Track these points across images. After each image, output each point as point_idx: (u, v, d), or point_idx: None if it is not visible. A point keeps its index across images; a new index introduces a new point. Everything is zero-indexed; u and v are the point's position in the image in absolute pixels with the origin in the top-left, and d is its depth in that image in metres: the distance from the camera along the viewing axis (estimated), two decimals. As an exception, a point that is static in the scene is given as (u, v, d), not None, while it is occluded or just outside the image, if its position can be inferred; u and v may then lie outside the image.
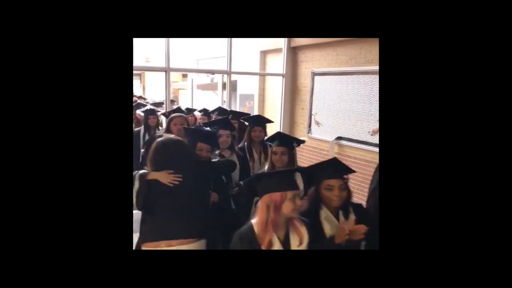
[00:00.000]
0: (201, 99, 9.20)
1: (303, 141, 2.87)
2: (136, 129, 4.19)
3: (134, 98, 5.66)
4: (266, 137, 3.03)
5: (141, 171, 2.09)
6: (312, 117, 5.60)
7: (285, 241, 1.55)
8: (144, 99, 7.26)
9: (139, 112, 4.13)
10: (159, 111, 4.26)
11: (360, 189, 4.48)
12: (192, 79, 9.66)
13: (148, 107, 4.35)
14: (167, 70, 4.79)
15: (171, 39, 4.66)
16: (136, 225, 1.76)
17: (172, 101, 6.05)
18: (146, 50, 8.79)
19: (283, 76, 5.98)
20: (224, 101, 5.98)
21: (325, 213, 1.72)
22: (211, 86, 9.31)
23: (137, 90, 12.70)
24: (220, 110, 4.19)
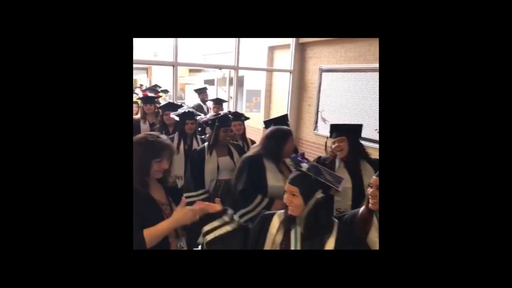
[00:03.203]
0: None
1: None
2: (170, 136, 3.23)
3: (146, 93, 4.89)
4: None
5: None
6: (319, 113, 5.58)
7: None
8: (159, 87, 6.15)
9: (173, 116, 3.38)
10: (199, 115, 3.55)
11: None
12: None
13: (185, 108, 3.55)
14: (174, 65, 4.80)
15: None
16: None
17: (203, 90, 5.69)
18: (154, 44, 8.81)
19: (290, 72, 5.97)
20: (231, 97, 5.98)
21: None
22: (219, 81, 9.31)
23: (144, 84, 12.73)
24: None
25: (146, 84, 12.11)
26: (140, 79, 13.01)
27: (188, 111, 3.28)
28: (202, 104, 5.68)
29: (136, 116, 4.25)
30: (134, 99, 4.79)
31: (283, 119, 3.16)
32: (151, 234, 1.49)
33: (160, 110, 3.86)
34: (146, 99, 4.21)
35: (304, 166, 1.59)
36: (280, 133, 2.32)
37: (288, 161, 2.00)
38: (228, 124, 2.89)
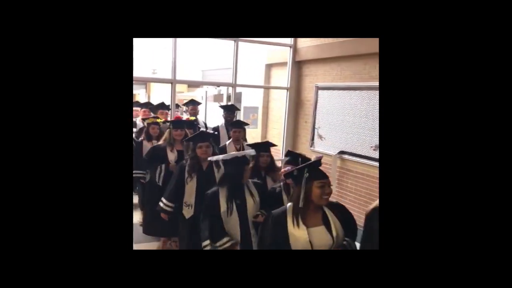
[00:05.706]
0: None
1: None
2: (220, 185, 2.52)
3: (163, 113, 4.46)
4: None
5: None
6: (315, 130, 5.63)
7: None
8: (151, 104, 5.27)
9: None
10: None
11: (362, 204, 4.48)
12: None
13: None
14: (173, 82, 4.86)
15: (177, 50, 4.75)
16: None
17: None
18: (153, 62, 8.90)
19: (287, 90, 6.04)
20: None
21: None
22: (218, 98, 9.40)
23: (142, 99, 12.75)
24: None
25: (145, 99, 12.10)
26: (139, 94, 13.05)
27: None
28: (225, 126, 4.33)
29: (161, 142, 3.59)
30: (153, 120, 4.21)
31: None
32: None
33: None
34: (177, 124, 3.50)
35: None
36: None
37: None
38: (323, 175, 1.84)
